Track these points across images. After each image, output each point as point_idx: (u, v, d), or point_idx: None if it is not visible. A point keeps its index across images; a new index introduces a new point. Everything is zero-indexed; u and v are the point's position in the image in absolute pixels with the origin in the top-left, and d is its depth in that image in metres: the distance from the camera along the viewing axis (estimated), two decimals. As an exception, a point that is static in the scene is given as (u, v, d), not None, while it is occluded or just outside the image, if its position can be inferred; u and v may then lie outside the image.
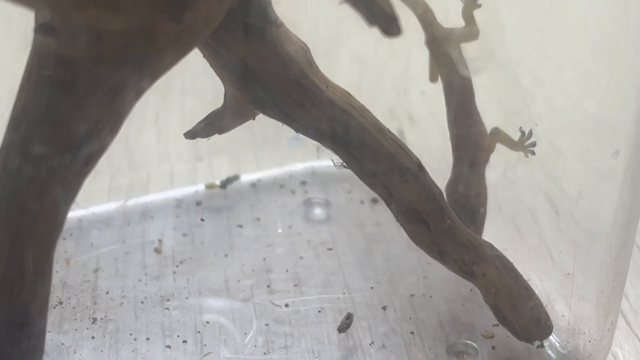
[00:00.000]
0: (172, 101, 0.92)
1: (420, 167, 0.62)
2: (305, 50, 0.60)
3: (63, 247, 0.79)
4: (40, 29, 0.50)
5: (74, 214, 0.82)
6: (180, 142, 0.91)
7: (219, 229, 0.82)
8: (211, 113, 0.65)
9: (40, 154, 0.49)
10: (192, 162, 0.90)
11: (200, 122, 0.65)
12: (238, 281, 0.76)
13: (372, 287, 0.75)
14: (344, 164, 0.63)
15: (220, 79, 0.61)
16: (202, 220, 0.82)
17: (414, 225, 0.63)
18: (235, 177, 0.88)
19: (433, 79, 0.75)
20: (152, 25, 0.49)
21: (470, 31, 0.72)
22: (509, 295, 0.66)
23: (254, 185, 0.88)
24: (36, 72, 0.51)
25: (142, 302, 0.73)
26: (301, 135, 0.90)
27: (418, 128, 0.88)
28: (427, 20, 0.72)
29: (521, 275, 0.66)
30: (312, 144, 0.90)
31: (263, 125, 0.90)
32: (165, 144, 0.91)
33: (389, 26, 0.50)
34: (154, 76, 0.53)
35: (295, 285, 0.76)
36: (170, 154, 0.90)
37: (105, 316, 0.72)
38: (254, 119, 0.64)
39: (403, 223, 0.63)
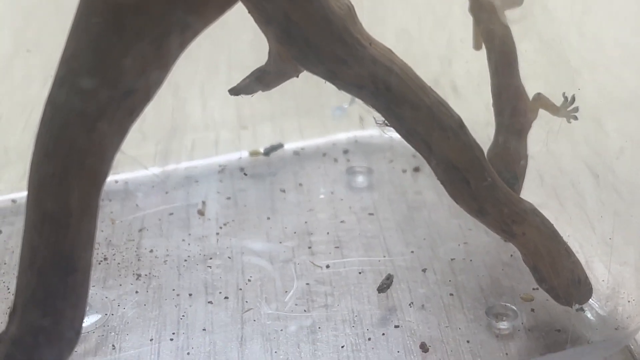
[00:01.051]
0: (219, 75, 0.93)
1: (462, 124, 0.63)
2: (350, 7, 0.60)
3: (109, 209, 0.81)
4: (89, -23, 0.51)
5: (120, 176, 0.84)
6: (225, 111, 0.93)
7: (262, 193, 0.83)
8: (255, 70, 0.66)
9: (90, 93, 0.50)
10: (236, 130, 0.91)
11: (244, 79, 0.66)
12: (280, 242, 0.77)
13: (412, 251, 0.76)
14: (386, 122, 0.63)
15: (265, 34, 0.62)
16: (245, 174, 0.84)
17: (454, 183, 0.63)
18: (279, 145, 0.89)
19: (477, 46, 0.75)
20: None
21: (514, -3, 0.72)
22: (548, 255, 0.66)
23: (297, 153, 0.89)
24: (85, 20, 0.52)
25: (185, 260, 0.74)
26: (345, 106, 0.91)
27: (461, 98, 0.88)
28: (472, -13, 0.72)
29: (561, 237, 0.66)
30: (355, 114, 0.92)
31: (307, 95, 0.91)
32: (210, 114, 0.92)
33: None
34: (198, 26, 0.54)
35: (336, 248, 0.76)
36: (216, 122, 0.91)
37: (149, 273, 0.73)
38: (297, 77, 0.65)
39: (443, 180, 0.64)
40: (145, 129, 0.87)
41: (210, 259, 0.75)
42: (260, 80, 0.65)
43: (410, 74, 0.62)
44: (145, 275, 0.73)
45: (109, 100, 0.51)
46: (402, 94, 0.61)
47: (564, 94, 0.71)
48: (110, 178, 0.82)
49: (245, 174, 0.84)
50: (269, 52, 0.64)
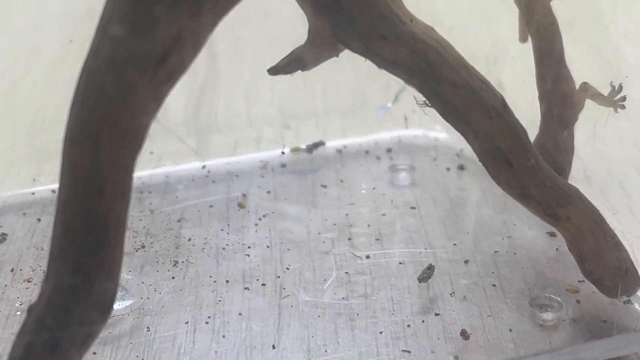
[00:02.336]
0: (263, 79, 0.93)
1: (505, 104, 0.61)
2: (390, -17, 0.60)
3: (149, 200, 0.80)
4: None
5: (161, 170, 0.84)
6: (269, 110, 0.92)
7: (303, 188, 0.82)
8: (295, 49, 0.65)
9: (126, 58, 0.50)
10: (279, 128, 0.90)
11: (283, 59, 0.66)
12: (319, 234, 0.76)
13: (454, 244, 0.75)
14: (427, 102, 0.62)
15: (304, 10, 0.61)
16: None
17: (497, 164, 0.62)
18: (321, 143, 0.89)
19: (523, 38, 0.74)
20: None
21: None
22: (594, 241, 0.64)
23: (339, 151, 0.89)
24: (122, -13, 0.52)
25: (223, 249, 0.74)
26: (388, 105, 0.90)
27: (507, 95, 0.86)
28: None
29: (607, 223, 0.65)
30: (400, 113, 0.91)
31: (350, 94, 0.91)
32: (254, 112, 0.92)
33: None
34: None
35: (377, 240, 0.75)
36: (259, 120, 0.91)
37: (186, 260, 0.72)
38: (337, 56, 0.64)
39: (485, 162, 0.62)
40: (190, 125, 0.87)
41: (249, 247, 0.74)
42: (299, 59, 0.65)
43: (451, 52, 0.61)
44: (183, 262, 0.72)
45: (145, 66, 0.51)
46: (442, 71, 0.60)
47: (611, 83, 0.69)
48: (150, 171, 0.83)
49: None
50: (308, 31, 0.63)
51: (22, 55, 0.91)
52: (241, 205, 0.79)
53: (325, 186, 0.83)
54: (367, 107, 0.91)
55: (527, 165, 0.62)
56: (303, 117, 0.92)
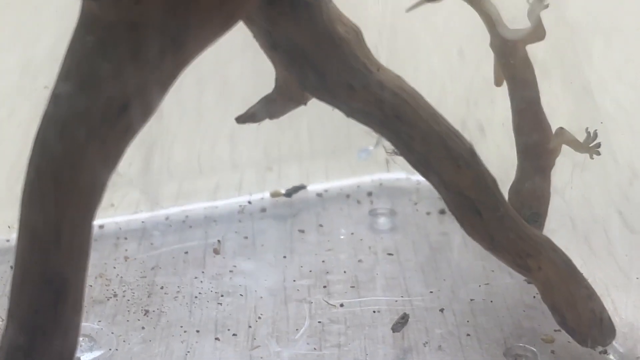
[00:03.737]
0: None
1: (473, 153, 0.61)
2: (357, 31, 0.59)
3: (124, 247, 0.79)
4: (85, -7, 0.50)
5: (137, 216, 0.83)
6: (251, 153, 0.92)
7: (281, 233, 0.82)
8: (262, 98, 0.65)
9: (83, 110, 0.49)
10: (261, 171, 0.90)
11: (251, 107, 0.65)
12: (294, 281, 0.75)
13: (431, 292, 0.74)
14: (395, 150, 0.62)
15: (271, 60, 0.61)
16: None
17: (465, 213, 0.61)
18: (302, 187, 0.88)
19: (498, 82, 0.73)
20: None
21: (537, 32, 0.70)
22: (567, 292, 0.63)
23: (320, 195, 0.88)
24: (80, 38, 0.52)
25: (196, 297, 0.73)
26: (370, 148, 0.90)
27: (488, 139, 0.86)
28: (492, 21, 0.71)
29: (581, 274, 0.64)
30: (381, 157, 0.90)
31: (333, 136, 0.90)
32: (237, 155, 0.91)
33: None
34: (196, 47, 0.53)
35: (352, 287, 0.74)
36: (242, 163, 0.90)
37: (158, 309, 0.72)
38: (305, 104, 0.64)
39: (454, 211, 0.61)
40: (172, 169, 0.87)
41: (222, 296, 0.73)
42: (267, 108, 0.64)
43: (420, 101, 0.60)
44: (154, 311, 0.71)
45: (103, 118, 0.50)
46: (411, 121, 0.60)
47: (586, 129, 0.69)
48: (127, 217, 0.82)
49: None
50: (276, 79, 0.63)
51: (7, 96, 0.90)
52: (216, 252, 0.79)
53: (303, 231, 0.82)
54: (351, 150, 0.91)
55: (496, 215, 0.61)
56: (286, 159, 0.91)
